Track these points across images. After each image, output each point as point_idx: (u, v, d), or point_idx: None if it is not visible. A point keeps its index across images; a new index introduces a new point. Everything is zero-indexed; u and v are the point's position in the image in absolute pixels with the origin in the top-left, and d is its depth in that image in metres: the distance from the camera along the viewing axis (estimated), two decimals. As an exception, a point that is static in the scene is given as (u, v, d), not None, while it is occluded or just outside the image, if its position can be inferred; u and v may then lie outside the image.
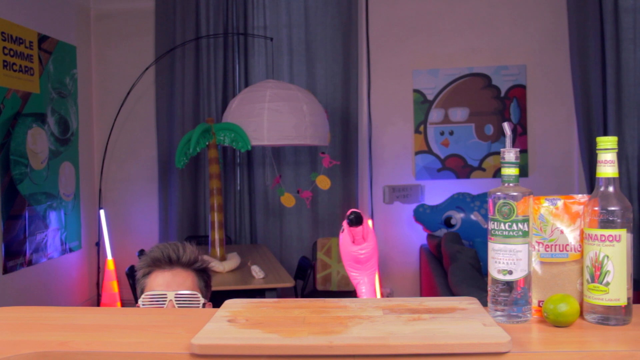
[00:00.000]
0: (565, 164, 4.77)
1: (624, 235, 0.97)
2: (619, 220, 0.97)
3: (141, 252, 3.83)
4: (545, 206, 1.04)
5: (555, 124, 4.77)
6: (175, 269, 1.52)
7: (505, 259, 1.00)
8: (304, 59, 4.84)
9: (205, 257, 1.66)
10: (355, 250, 1.27)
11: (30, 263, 4.02)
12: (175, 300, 1.46)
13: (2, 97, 3.74)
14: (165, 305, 1.46)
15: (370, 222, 1.34)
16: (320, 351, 0.84)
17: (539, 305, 1.02)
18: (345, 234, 1.29)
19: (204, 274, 1.57)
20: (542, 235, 1.04)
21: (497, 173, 4.76)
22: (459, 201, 4.59)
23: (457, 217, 4.53)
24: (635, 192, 4.36)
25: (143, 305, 1.47)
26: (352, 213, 1.28)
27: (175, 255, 1.52)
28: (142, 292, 1.52)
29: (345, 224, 1.29)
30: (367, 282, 1.29)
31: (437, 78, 4.83)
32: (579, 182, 4.70)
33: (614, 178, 0.99)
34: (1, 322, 1.05)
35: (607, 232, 0.97)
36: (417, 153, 4.86)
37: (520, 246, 0.99)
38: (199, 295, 1.51)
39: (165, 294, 1.46)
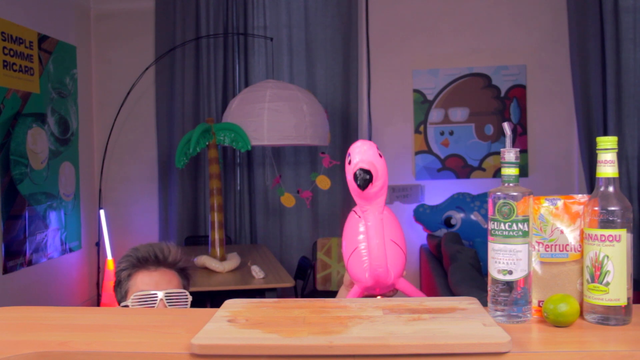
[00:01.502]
0: (565, 164, 4.77)
1: (624, 235, 0.97)
2: (619, 220, 0.97)
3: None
4: (545, 206, 1.04)
5: (555, 124, 4.77)
6: (161, 269, 1.53)
7: (505, 259, 1.00)
8: (304, 59, 4.84)
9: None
10: (363, 192, 1.12)
11: (30, 263, 4.02)
12: (166, 299, 1.47)
13: (2, 97, 3.74)
14: (156, 305, 1.46)
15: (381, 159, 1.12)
16: (320, 351, 0.84)
17: (539, 305, 1.02)
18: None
19: (185, 273, 1.59)
20: (542, 235, 1.04)
21: (497, 173, 4.76)
22: (459, 201, 4.59)
23: (457, 217, 4.53)
24: (635, 192, 4.36)
25: (132, 305, 1.46)
26: (359, 177, 1.10)
27: (162, 255, 1.53)
28: (126, 293, 1.51)
29: (352, 160, 1.12)
30: (374, 211, 1.15)
31: (437, 78, 4.83)
32: (579, 182, 4.70)
33: (614, 178, 0.99)
34: (1, 322, 1.05)
35: (607, 232, 0.97)
36: (417, 153, 4.86)
37: (520, 246, 0.99)
38: (187, 293, 1.52)
39: (156, 294, 1.47)
